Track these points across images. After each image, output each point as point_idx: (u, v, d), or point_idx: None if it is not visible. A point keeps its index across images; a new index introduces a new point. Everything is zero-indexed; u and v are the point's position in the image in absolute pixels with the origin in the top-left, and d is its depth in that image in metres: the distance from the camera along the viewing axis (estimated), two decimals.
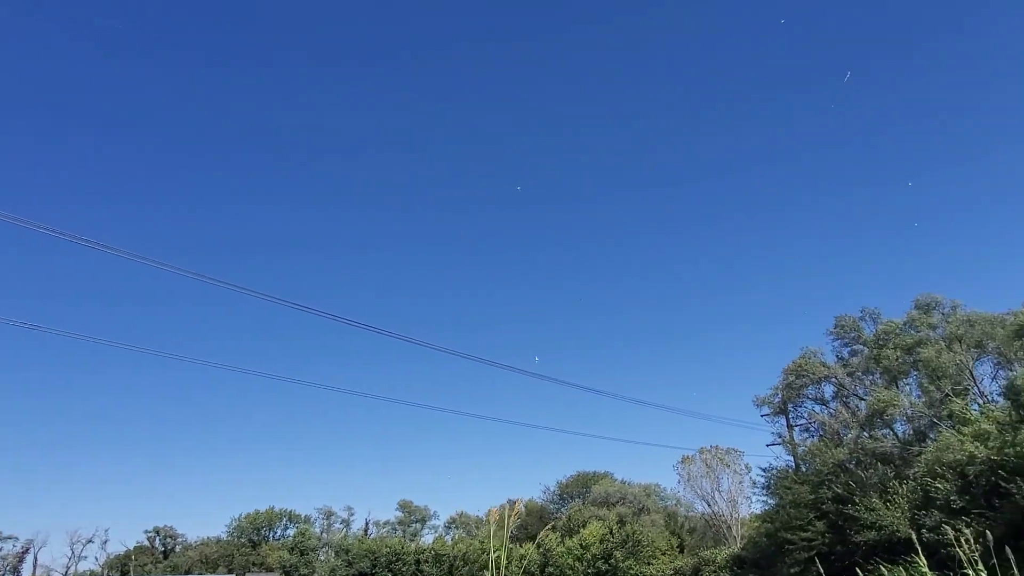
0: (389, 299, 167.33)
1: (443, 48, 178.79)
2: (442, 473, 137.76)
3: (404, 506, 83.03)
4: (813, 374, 42.02)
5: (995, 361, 36.65)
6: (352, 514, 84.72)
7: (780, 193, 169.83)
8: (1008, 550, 9.41)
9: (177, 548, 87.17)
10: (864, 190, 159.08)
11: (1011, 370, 34.58)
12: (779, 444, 46.05)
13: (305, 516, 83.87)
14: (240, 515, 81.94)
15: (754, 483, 52.19)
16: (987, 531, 10.45)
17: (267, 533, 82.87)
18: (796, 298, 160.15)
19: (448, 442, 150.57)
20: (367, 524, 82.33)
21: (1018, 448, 28.07)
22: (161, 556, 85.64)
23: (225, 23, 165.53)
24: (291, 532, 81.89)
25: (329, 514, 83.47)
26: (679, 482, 59.65)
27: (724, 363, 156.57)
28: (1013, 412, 30.99)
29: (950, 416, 34.30)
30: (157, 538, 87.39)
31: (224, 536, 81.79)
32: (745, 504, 55.40)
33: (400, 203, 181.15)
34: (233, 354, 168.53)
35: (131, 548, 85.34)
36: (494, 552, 8.42)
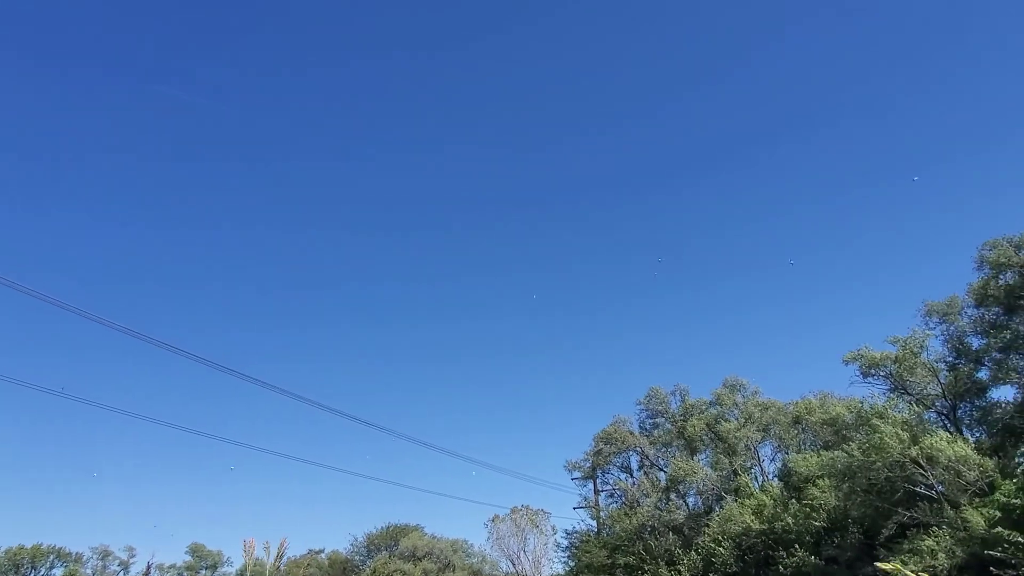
0: (184, 314, 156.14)
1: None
2: (241, 516, 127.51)
3: (195, 550, 76.21)
4: (622, 442, 44.27)
5: (775, 445, 40.56)
6: (133, 556, 76.45)
7: (623, 248, 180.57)
8: None
9: None
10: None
11: (786, 453, 38.51)
12: (584, 508, 47.70)
13: (77, 555, 74.61)
14: None
15: (558, 545, 53.50)
16: None
17: (29, 572, 72.71)
18: (618, 363, 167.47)
19: (252, 482, 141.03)
20: (148, 568, 74.45)
21: (785, 523, 31.21)
22: None
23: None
24: (58, 572, 72.52)
25: (105, 554, 74.79)
26: (488, 540, 59.87)
27: (544, 424, 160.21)
28: (784, 491, 34.48)
29: (736, 491, 37.42)
30: None
31: None
32: (548, 565, 56.51)
33: (195, 223, 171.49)
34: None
35: None
36: None
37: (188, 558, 77.36)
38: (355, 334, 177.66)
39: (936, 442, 23.33)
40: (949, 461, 23.46)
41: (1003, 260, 28.67)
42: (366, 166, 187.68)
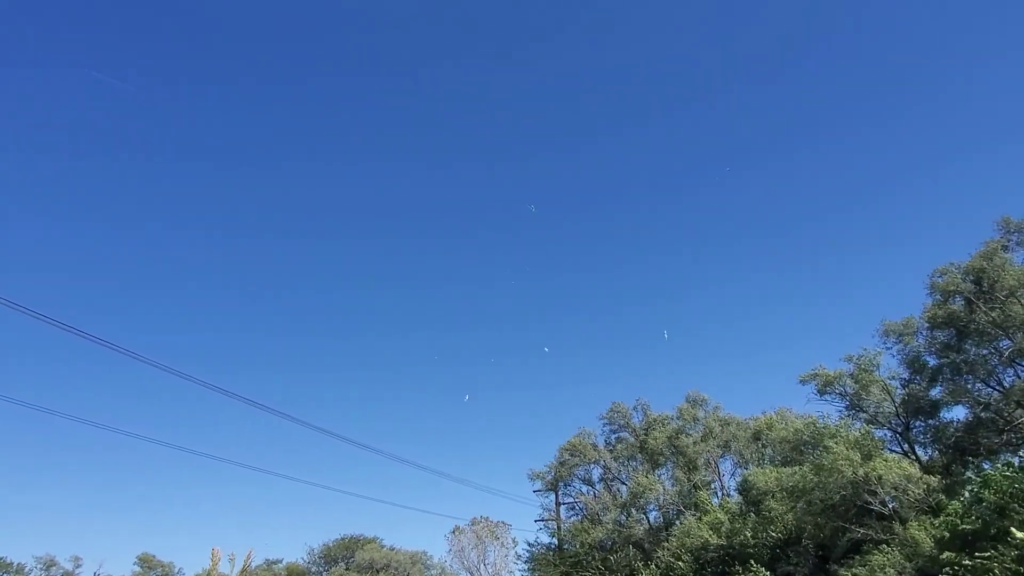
0: (130, 314, 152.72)
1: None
2: (194, 525, 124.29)
3: (144, 560, 74.07)
4: (584, 455, 44.42)
5: (735, 460, 41.13)
6: (79, 565, 73.94)
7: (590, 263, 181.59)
8: None
9: None
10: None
11: (746, 469, 39.08)
12: (546, 520, 47.64)
13: (18, 565, 71.91)
14: None
15: (518, 557, 53.33)
16: None
17: None
18: (585, 375, 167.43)
19: (206, 490, 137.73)
20: None
21: (743, 538, 31.66)
22: None
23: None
24: None
25: (50, 564, 72.24)
26: (448, 551, 59.49)
27: (508, 436, 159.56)
28: (744, 505, 34.98)
29: (696, 505, 37.80)
30: None
31: None
32: None
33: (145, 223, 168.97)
34: None
35: None
36: None
37: (137, 568, 75.32)
38: (313, 342, 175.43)
39: (880, 464, 24.00)
40: (896, 480, 24.10)
41: (950, 288, 29.81)
42: (330, 171, 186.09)
